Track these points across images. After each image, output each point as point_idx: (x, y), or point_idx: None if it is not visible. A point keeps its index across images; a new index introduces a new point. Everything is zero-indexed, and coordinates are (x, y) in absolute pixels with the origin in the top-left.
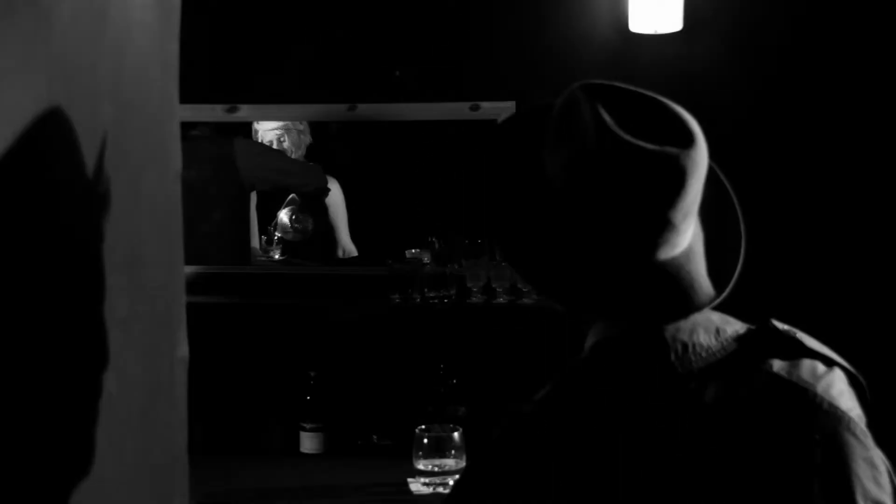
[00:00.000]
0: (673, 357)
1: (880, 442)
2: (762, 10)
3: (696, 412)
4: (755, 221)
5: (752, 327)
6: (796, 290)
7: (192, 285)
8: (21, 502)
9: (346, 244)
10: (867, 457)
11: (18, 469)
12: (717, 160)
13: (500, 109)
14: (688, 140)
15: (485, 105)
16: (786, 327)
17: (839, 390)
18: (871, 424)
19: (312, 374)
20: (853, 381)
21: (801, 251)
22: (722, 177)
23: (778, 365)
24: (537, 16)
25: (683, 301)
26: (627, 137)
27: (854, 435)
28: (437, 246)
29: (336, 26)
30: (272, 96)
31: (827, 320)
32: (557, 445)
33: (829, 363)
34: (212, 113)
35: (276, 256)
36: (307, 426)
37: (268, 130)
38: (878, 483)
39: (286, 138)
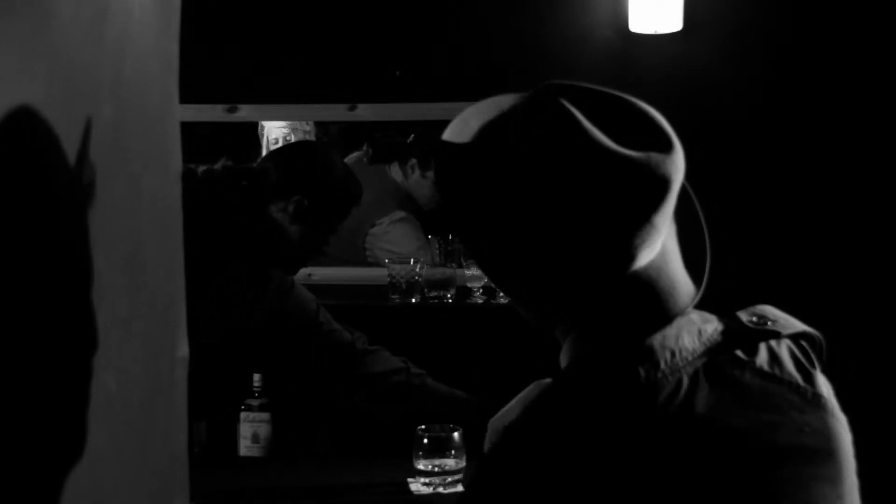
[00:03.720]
0: (663, 365)
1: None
2: (762, 11)
3: (691, 423)
4: (755, 220)
5: (724, 322)
6: (798, 290)
7: None
8: (20, 502)
9: None
10: (851, 440)
11: (17, 468)
12: (717, 159)
13: None
14: (667, 144)
15: None
16: (753, 318)
17: (819, 377)
18: (863, 420)
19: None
20: (813, 343)
21: (800, 249)
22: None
23: (761, 359)
24: (537, 16)
25: (667, 304)
26: (611, 144)
27: (839, 421)
28: (437, 246)
29: (336, 26)
30: (272, 96)
31: (823, 317)
32: (553, 471)
33: (795, 338)
34: (212, 113)
35: None
36: (307, 426)
37: (274, 128)
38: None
39: (292, 137)
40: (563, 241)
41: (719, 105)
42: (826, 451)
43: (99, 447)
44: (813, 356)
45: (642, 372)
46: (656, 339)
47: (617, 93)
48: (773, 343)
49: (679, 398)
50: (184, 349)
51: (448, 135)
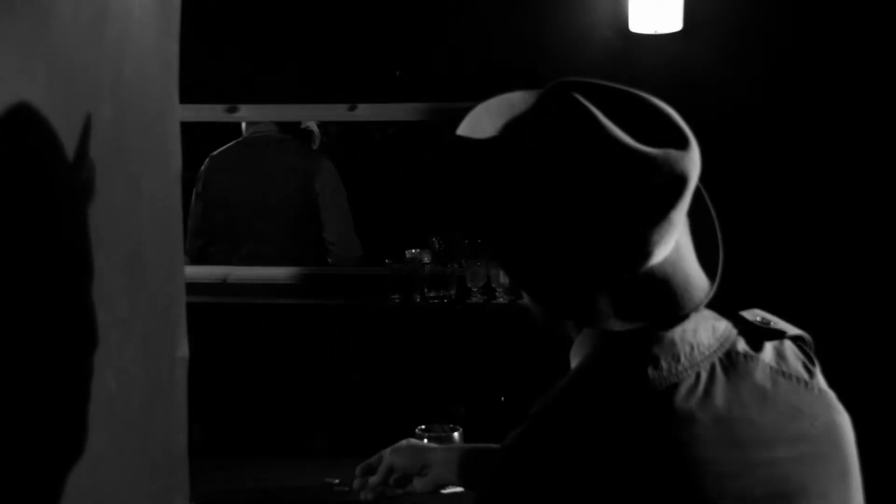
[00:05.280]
0: (683, 358)
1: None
2: (762, 11)
3: (711, 417)
4: (755, 219)
5: (731, 321)
6: (797, 288)
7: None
8: (21, 501)
9: None
10: (853, 437)
11: (18, 468)
12: (717, 159)
13: None
14: (684, 141)
15: None
16: (758, 318)
17: (819, 375)
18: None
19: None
20: (805, 344)
21: (799, 248)
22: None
23: (768, 356)
24: (537, 16)
25: (683, 299)
26: (630, 142)
27: (842, 416)
28: (437, 246)
29: (336, 26)
30: (272, 96)
31: (823, 316)
32: (577, 469)
33: (795, 339)
34: (212, 113)
35: None
36: (308, 426)
37: None
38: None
39: None
40: (580, 238)
41: (719, 105)
42: (834, 445)
43: (99, 447)
44: (812, 355)
45: (664, 364)
46: (676, 333)
47: (630, 89)
48: (776, 342)
49: (699, 391)
50: (184, 349)
51: (462, 132)
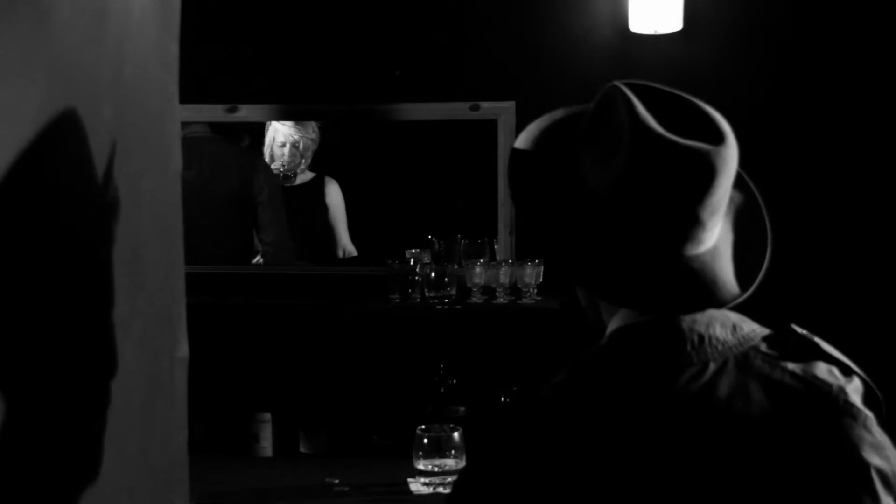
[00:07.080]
0: (689, 347)
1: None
2: (762, 10)
3: (710, 404)
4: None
5: (770, 331)
6: (795, 290)
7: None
8: (21, 501)
9: (346, 244)
10: (883, 451)
11: (19, 467)
12: None
13: (500, 109)
14: (718, 138)
15: (485, 105)
16: (804, 332)
17: (854, 388)
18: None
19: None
20: (870, 392)
21: (801, 251)
22: (748, 181)
23: (793, 363)
24: (537, 16)
25: (704, 295)
26: (661, 130)
27: (869, 431)
28: (437, 246)
29: (336, 26)
30: (272, 96)
31: (839, 322)
32: (573, 431)
33: (847, 371)
34: (212, 113)
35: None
36: (307, 426)
37: (280, 132)
38: (886, 483)
39: (300, 143)
40: (615, 221)
41: (719, 105)
42: (845, 459)
43: (99, 447)
44: (852, 369)
45: (667, 349)
46: (685, 322)
47: (673, 90)
48: (811, 355)
49: (702, 380)
50: (184, 349)
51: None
